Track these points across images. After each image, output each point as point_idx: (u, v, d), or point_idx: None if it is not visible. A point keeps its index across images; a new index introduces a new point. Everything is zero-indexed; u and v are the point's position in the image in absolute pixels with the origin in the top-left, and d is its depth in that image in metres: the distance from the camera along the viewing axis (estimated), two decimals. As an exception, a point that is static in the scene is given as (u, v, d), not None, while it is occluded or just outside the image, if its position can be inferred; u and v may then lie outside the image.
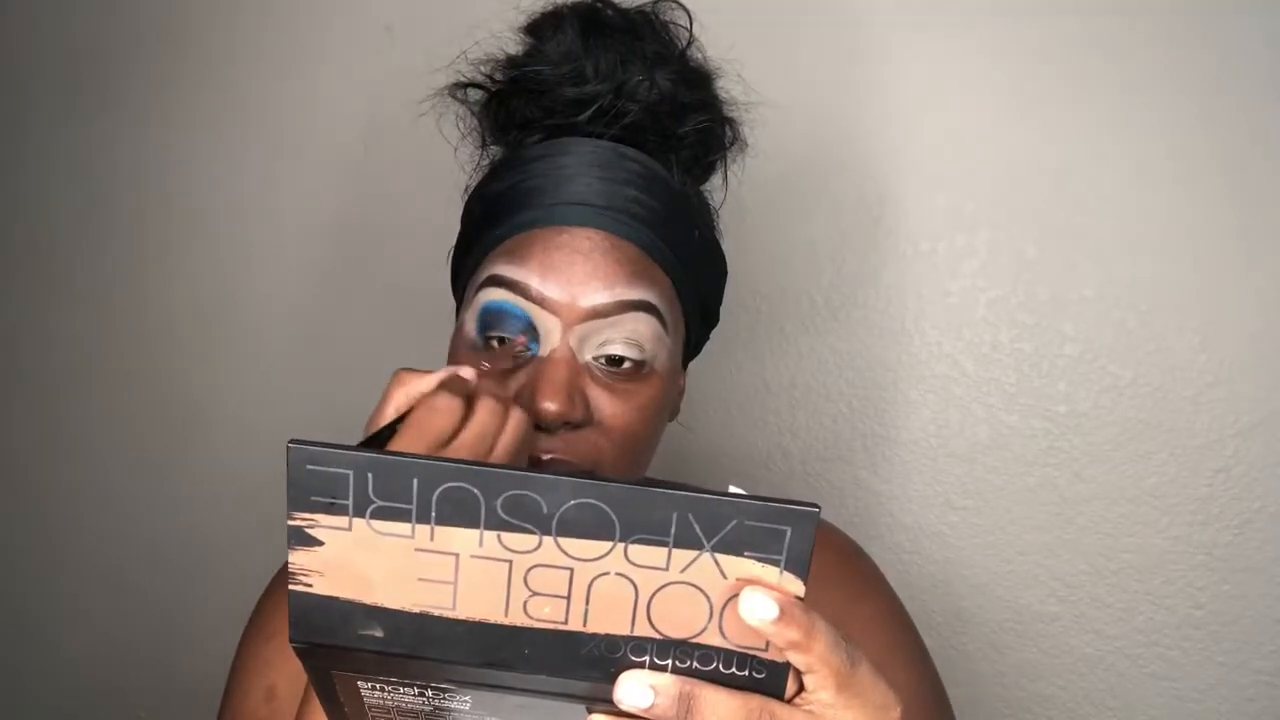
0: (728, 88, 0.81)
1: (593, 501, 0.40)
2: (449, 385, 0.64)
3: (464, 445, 0.61)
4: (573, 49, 0.75)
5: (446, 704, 0.48)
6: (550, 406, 0.69)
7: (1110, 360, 1.13)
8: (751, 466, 1.22)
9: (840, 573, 0.84)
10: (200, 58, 1.33)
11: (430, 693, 0.47)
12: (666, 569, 0.41)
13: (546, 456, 0.71)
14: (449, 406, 0.61)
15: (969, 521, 1.18)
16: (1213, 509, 1.12)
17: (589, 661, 0.43)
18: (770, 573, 0.41)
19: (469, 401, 0.63)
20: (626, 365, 0.73)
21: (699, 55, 0.80)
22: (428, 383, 0.64)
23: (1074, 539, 1.15)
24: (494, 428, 0.63)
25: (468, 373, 0.67)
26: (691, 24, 0.79)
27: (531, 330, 0.72)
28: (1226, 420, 1.11)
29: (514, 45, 0.80)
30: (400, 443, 0.60)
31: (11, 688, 1.50)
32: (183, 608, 1.41)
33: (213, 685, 0.86)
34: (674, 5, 0.79)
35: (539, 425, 0.70)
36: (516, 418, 0.64)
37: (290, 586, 0.42)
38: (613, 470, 0.74)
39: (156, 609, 1.43)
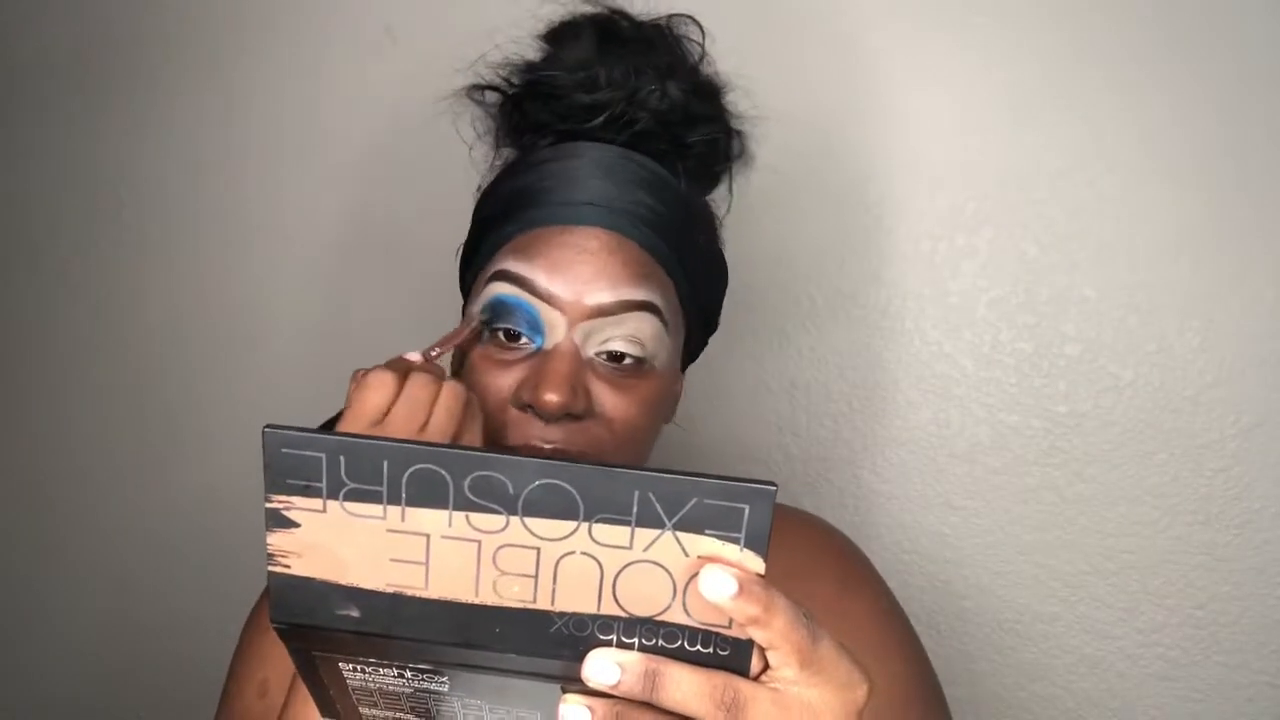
0: (736, 101, 0.83)
1: (557, 482, 0.41)
2: (389, 365, 0.67)
3: (396, 418, 0.64)
4: (587, 56, 0.77)
5: (426, 685, 0.49)
6: (552, 397, 0.71)
7: (1110, 360, 1.13)
8: (752, 467, 1.22)
9: (833, 568, 0.84)
10: (203, 58, 1.34)
11: (410, 674, 0.48)
12: (630, 548, 0.42)
13: (548, 446, 0.73)
14: (379, 382, 0.64)
15: (969, 521, 1.18)
16: (1213, 509, 1.11)
17: (558, 640, 0.44)
18: (730, 550, 0.42)
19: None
20: (628, 362, 0.75)
21: (710, 69, 0.82)
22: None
23: (1074, 539, 1.15)
24: (425, 399, 0.65)
25: (412, 356, 0.70)
26: (704, 38, 0.81)
27: (535, 322, 0.74)
28: (1226, 420, 1.11)
29: (532, 51, 0.82)
30: (341, 423, 0.64)
31: (12, 687, 1.52)
32: (184, 607, 1.42)
33: (213, 685, 0.86)
34: (687, 19, 0.81)
35: (541, 416, 0.72)
36: (450, 390, 0.66)
37: (269, 568, 0.44)
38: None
39: (157, 608, 1.44)
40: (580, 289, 0.73)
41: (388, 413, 0.64)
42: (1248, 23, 1.08)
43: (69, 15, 1.38)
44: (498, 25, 0.83)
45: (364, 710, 0.52)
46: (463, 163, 0.86)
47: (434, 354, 0.73)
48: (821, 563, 0.84)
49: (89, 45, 1.37)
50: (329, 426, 0.65)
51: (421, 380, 0.65)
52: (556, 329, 0.74)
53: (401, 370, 0.66)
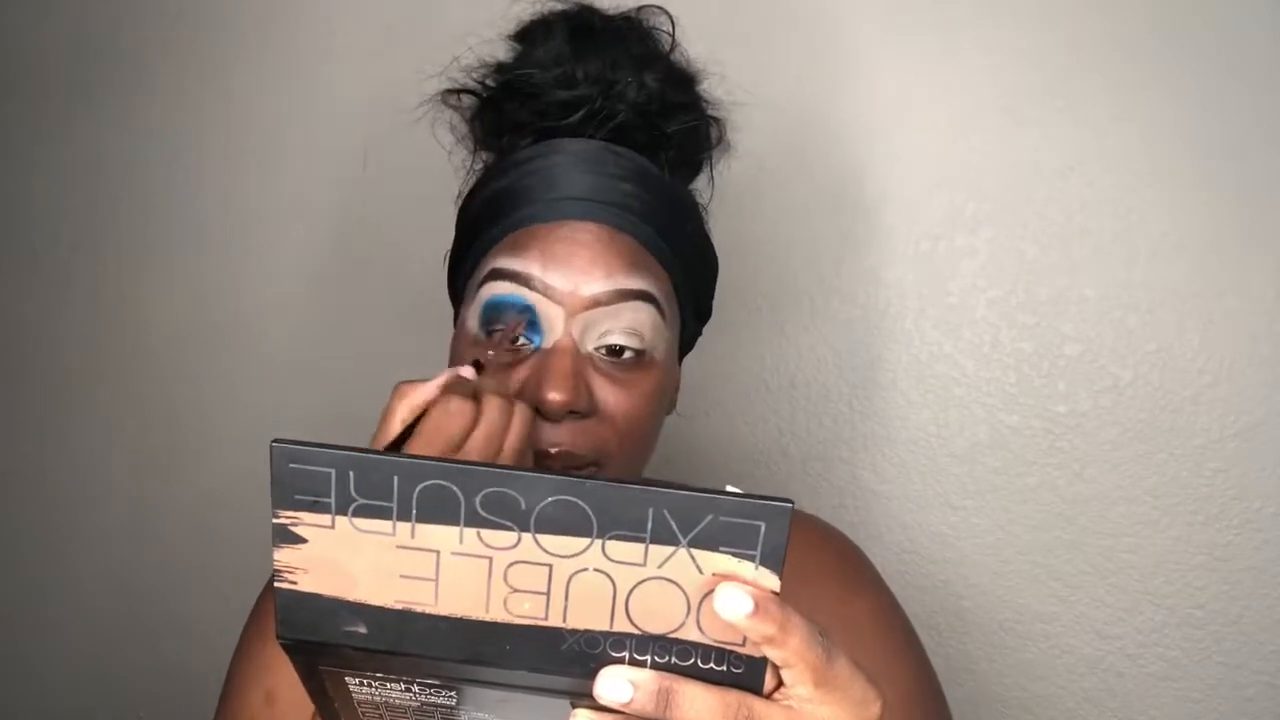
0: (711, 88, 0.83)
1: (570, 498, 0.41)
2: (455, 388, 0.65)
3: (477, 445, 0.63)
4: (562, 53, 0.77)
5: (433, 699, 0.48)
6: (556, 396, 0.70)
7: (1110, 360, 1.13)
8: (752, 467, 1.22)
9: (836, 570, 0.84)
10: (203, 58, 1.34)
11: (417, 688, 0.48)
12: (644, 565, 0.41)
13: (554, 450, 0.72)
14: (461, 409, 0.63)
15: (969, 521, 1.18)
16: (1213, 509, 1.12)
17: (569, 657, 0.43)
18: (745, 568, 0.41)
19: (475, 400, 0.64)
20: (627, 355, 0.75)
21: (683, 58, 0.82)
22: (429, 389, 0.65)
23: (1074, 539, 1.15)
24: (502, 425, 0.64)
25: (468, 372, 0.68)
26: (674, 29, 0.81)
27: (534, 320, 0.74)
28: (1226, 420, 1.11)
29: (504, 52, 0.81)
30: (415, 446, 0.62)
31: (12, 687, 1.51)
32: (184, 608, 1.42)
33: (213, 685, 0.86)
34: (658, 10, 0.81)
35: (545, 416, 0.72)
36: (522, 412, 0.66)
37: (275, 584, 0.43)
38: (617, 460, 0.75)
39: (157, 609, 1.43)
40: (577, 280, 0.73)
41: (464, 439, 0.63)
42: (1247, 23, 1.08)
43: (69, 15, 1.37)
44: (470, 28, 0.82)
45: (369, 723, 0.52)
46: (456, 165, 0.86)
47: (490, 356, 0.72)
48: (822, 565, 0.84)
49: (89, 45, 1.37)
50: (396, 446, 0.64)
51: (497, 404, 0.64)
52: (555, 325, 0.73)
53: (468, 393, 0.65)
